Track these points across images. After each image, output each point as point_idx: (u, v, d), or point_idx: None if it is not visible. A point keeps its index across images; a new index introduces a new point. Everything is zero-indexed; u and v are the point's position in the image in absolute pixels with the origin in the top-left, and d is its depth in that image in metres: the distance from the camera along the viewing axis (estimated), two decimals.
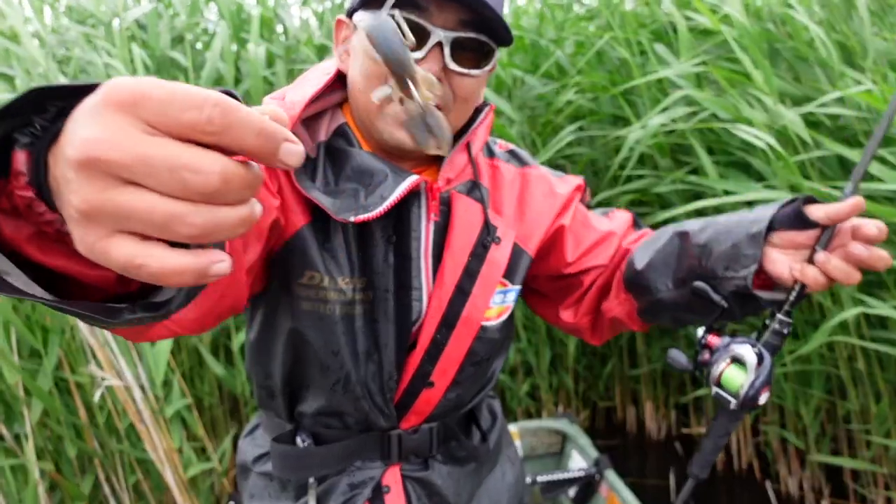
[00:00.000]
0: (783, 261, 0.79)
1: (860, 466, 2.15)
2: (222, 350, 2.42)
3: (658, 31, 2.22)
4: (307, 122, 0.90)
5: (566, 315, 1.08)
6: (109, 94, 0.33)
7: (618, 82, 2.27)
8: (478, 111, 0.94)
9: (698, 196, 2.14)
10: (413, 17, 0.78)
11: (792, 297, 0.79)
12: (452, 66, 0.80)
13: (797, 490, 2.49)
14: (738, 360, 0.81)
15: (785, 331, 0.80)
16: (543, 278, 1.07)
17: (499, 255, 0.94)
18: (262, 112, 0.37)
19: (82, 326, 1.90)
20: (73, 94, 0.39)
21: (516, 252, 0.98)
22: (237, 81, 2.66)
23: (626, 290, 0.99)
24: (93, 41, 2.50)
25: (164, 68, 2.62)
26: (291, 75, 2.65)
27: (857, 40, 1.80)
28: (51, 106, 0.39)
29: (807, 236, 0.77)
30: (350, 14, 0.88)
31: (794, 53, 1.92)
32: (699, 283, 0.86)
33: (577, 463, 2.15)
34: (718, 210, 1.92)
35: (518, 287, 1.00)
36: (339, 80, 0.91)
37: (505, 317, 0.99)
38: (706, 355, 0.84)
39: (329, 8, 2.93)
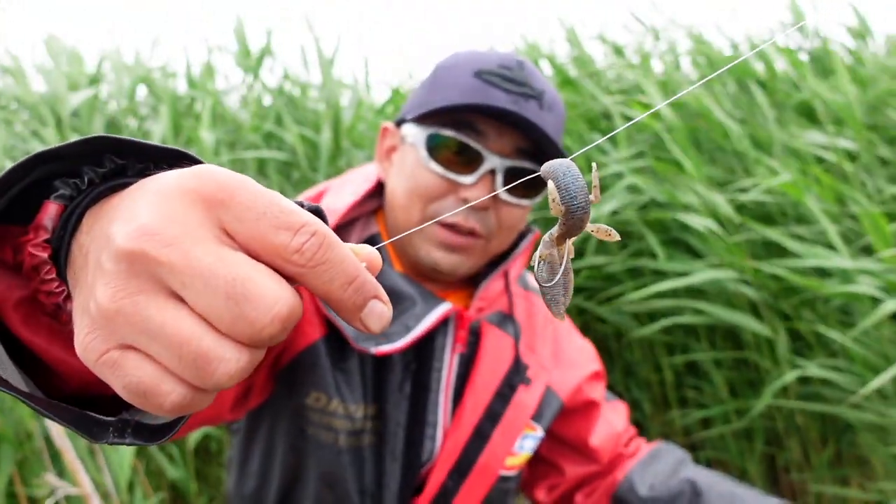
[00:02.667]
0: None
1: None
2: (176, 450, 2.31)
3: (594, 118, 2.38)
4: (337, 229, 0.82)
5: (540, 494, 1.01)
6: (198, 181, 0.27)
7: None
8: (521, 236, 0.89)
9: (642, 273, 2.31)
10: (469, 141, 0.75)
11: None
12: (503, 195, 0.77)
13: None
14: None
15: None
16: (550, 437, 0.97)
17: (527, 398, 0.87)
18: (358, 253, 0.31)
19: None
20: (140, 154, 0.31)
21: (547, 395, 0.91)
22: None
23: (611, 502, 0.96)
24: (11, 124, 2.35)
25: None
26: (234, 164, 2.64)
27: (763, 132, 2.05)
28: (108, 161, 0.31)
29: None
30: (398, 123, 0.82)
31: (713, 143, 2.15)
32: None
33: None
34: (672, 294, 2.07)
35: (543, 434, 0.91)
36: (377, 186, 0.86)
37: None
38: None
39: (275, 89, 2.92)
